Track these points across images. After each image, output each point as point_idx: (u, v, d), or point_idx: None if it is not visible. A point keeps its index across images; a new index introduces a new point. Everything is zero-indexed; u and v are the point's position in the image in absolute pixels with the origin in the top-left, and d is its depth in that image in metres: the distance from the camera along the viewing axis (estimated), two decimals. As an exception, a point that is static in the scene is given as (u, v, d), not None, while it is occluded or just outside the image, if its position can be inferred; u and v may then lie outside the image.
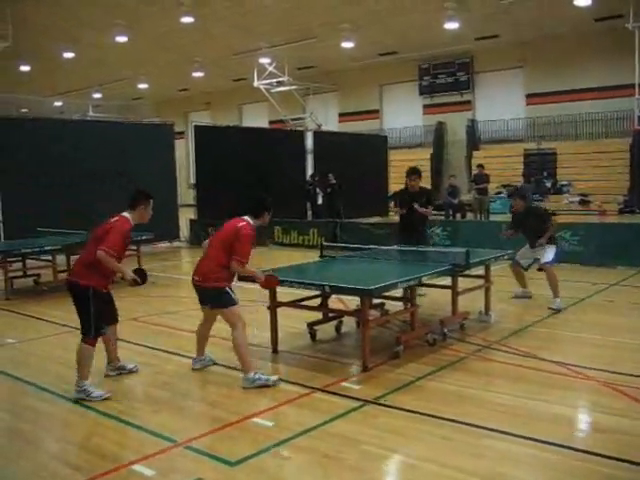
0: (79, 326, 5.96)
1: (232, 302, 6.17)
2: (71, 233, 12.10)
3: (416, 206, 9.82)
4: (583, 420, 5.46)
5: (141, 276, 6.11)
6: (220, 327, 6.61)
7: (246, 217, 6.36)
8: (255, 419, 5.31)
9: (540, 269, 9.34)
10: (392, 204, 10.68)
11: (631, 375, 6.12)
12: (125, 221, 6.03)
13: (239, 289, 6.50)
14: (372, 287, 6.27)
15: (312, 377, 6.33)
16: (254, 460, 4.57)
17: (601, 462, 4.41)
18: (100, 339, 6.12)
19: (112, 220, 6.04)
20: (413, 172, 10.09)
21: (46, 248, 11.36)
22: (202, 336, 6.67)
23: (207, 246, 6.53)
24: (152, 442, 4.90)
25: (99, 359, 6.38)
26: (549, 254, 9.22)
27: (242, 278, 6.62)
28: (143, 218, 6.24)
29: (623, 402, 5.50)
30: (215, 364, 6.78)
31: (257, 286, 6.63)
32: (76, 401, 5.78)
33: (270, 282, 6.59)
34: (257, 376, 6.07)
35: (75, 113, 34.35)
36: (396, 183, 26.89)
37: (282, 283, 6.79)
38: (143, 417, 5.45)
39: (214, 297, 6.24)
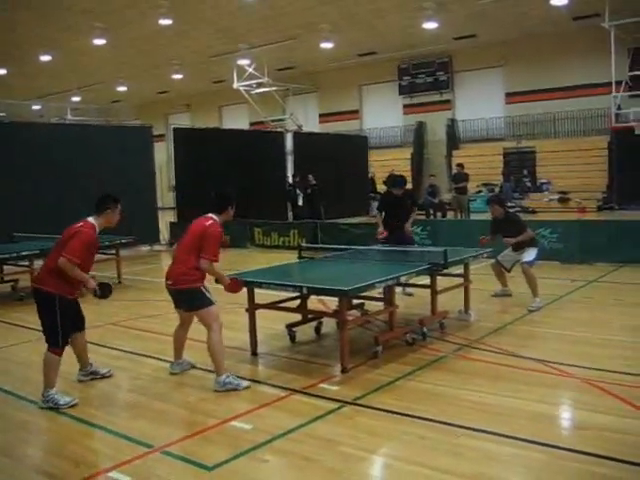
0: (45, 334, 5.86)
1: (208, 302, 6.10)
2: (49, 238, 11.94)
3: (407, 227, 10.23)
4: (565, 418, 5.46)
5: (104, 289, 6.01)
6: (198, 329, 6.55)
7: (211, 215, 6.30)
8: (233, 422, 5.27)
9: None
10: (378, 214, 10.71)
11: (611, 372, 6.14)
12: (90, 228, 5.90)
13: (216, 290, 6.44)
14: (348, 288, 6.24)
15: (291, 379, 6.29)
16: (232, 464, 4.53)
17: (585, 460, 4.40)
18: (69, 345, 6.04)
19: (77, 225, 5.91)
20: (398, 183, 10.33)
21: (23, 253, 11.21)
22: (179, 339, 6.61)
23: (176, 249, 6.48)
24: (128, 448, 4.84)
25: (71, 363, 6.32)
26: (530, 255, 9.25)
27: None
28: (110, 222, 6.14)
29: (604, 399, 5.50)
30: (194, 367, 6.73)
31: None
32: (50, 408, 5.70)
33: (234, 286, 6.52)
34: (228, 380, 6.03)
35: (54, 117, 34.09)
36: (377, 184, 27.01)
37: (260, 285, 6.78)
38: (119, 422, 5.39)
39: (188, 299, 6.17)
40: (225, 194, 6.48)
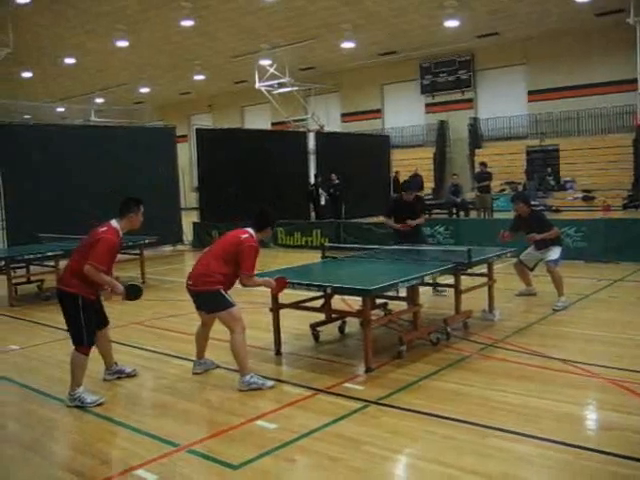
0: (70, 334, 5.92)
1: (228, 304, 6.10)
2: (74, 238, 12.06)
3: (410, 222, 9.98)
4: (591, 418, 5.39)
5: (134, 291, 6.05)
6: (220, 329, 6.57)
7: (249, 229, 6.31)
8: (258, 422, 5.28)
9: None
10: (387, 218, 10.58)
11: (637, 372, 6.07)
12: (112, 233, 5.93)
13: (241, 291, 6.45)
14: (372, 287, 6.23)
15: (315, 378, 6.30)
16: (257, 463, 4.54)
17: (612, 461, 4.36)
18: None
19: (100, 230, 5.94)
20: (409, 187, 10.41)
21: (49, 254, 11.34)
22: (201, 339, 6.63)
23: (204, 251, 6.49)
24: (154, 446, 4.87)
25: (98, 361, 6.37)
26: (555, 253, 9.16)
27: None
28: (133, 225, 6.17)
29: (631, 399, 5.45)
30: (218, 367, 6.75)
31: (258, 288, 6.58)
32: (77, 406, 5.76)
33: (281, 285, 6.52)
34: (253, 379, 6.05)
35: (77, 118, 34.42)
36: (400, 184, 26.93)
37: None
38: (145, 421, 5.43)
39: (208, 301, 6.18)
40: (268, 214, 6.47)
